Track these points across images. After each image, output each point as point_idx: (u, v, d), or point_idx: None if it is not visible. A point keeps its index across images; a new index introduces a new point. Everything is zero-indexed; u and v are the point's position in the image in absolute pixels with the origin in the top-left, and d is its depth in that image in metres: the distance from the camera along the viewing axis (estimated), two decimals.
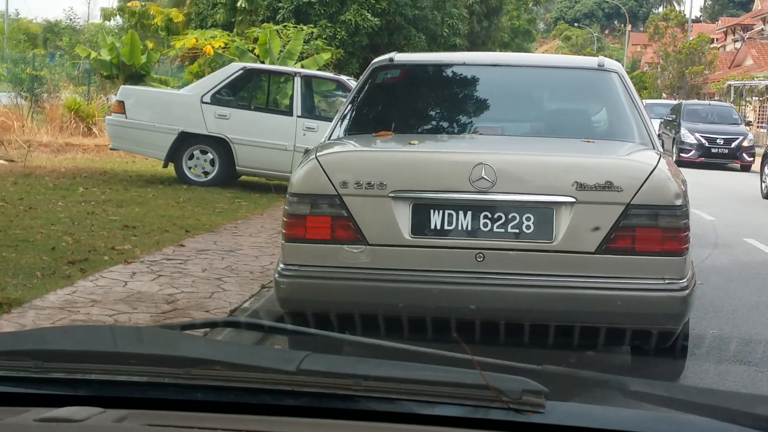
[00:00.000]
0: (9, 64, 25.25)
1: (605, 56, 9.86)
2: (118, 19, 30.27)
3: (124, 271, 7.26)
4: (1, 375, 1.31)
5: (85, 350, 1.29)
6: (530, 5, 45.15)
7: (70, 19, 42.94)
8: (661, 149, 5.18)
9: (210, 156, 13.52)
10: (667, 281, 4.43)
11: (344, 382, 1.15)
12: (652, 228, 4.44)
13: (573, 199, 4.44)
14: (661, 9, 67.81)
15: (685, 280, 4.48)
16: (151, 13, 26.38)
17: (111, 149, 15.15)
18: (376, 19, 26.64)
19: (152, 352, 1.29)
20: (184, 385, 1.20)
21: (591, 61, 6.00)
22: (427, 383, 1.16)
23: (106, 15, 31.52)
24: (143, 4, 27.64)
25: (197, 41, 21.41)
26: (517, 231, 4.49)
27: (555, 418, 1.15)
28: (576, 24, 73.62)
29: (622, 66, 6.31)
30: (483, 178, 4.46)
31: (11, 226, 8.80)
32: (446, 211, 4.52)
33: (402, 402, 1.14)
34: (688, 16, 58.00)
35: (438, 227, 4.53)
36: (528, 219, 4.49)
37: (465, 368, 1.20)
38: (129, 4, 27.40)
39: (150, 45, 23.67)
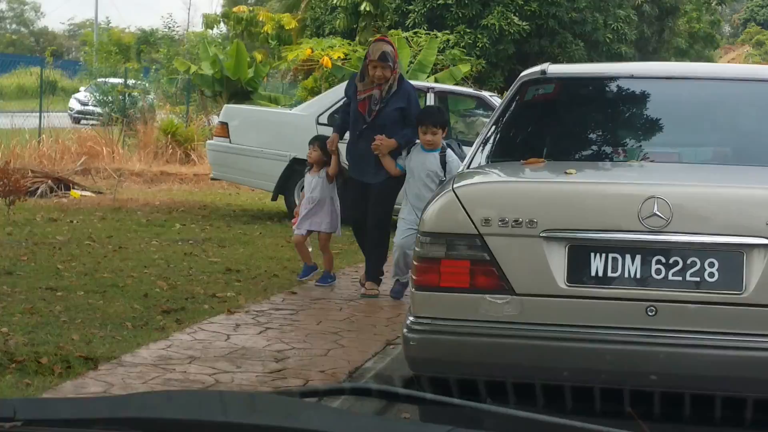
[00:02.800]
0: (98, 81, 26.09)
1: None
2: (222, 27, 31.10)
3: (226, 322, 7.41)
4: None
5: (192, 419, 1.31)
6: (713, 5, 44.48)
7: (168, 28, 44.28)
8: None
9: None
10: None
11: None
12: None
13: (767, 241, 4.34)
14: None
15: None
16: (260, 19, 26.95)
17: (212, 179, 15.50)
18: (524, 24, 26.63)
19: (269, 423, 1.30)
20: None
21: None
22: None
23: (209, 23, 32.40)
24: (251, 9, 28.27)
25: (313, 52, 21.82)
26: (697, 279, 4.40)
27: None
28: None
29: None
30: (655, 214, 4.39)
31: (99, 269, 9.09)
32: (610, 255, 4.46)
33: None
34: None
35: (600, 274, 4.47)
36: (711, 265, 4.39)
37: None
38: (235, 9, 28.05)
39: (258, 57, 24.19)
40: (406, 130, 8.40)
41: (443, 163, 7.99)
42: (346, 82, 15.60)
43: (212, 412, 1.41)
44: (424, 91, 14.14)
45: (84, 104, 30.18)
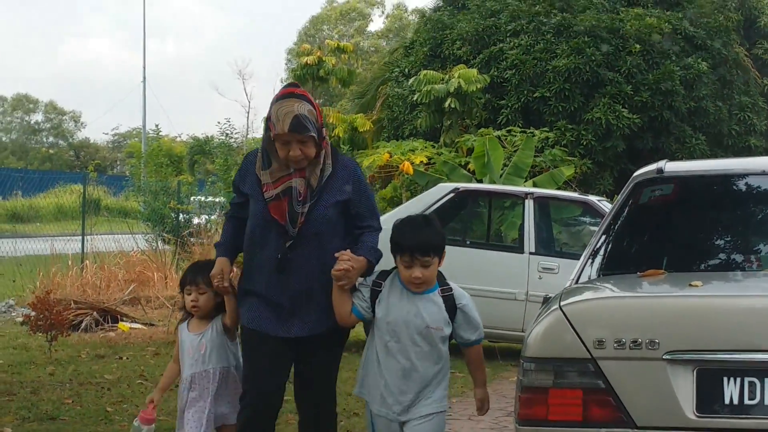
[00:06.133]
0: (147, 197, 26.40)
1: None
2: None
3: None
4: None
5: None
6: None
7: (225, 135, 44.81)
8: None
9: None
10: None
11: None
12: None
13: None
14: None
15: None
16: (331, 121, 27.22)
17: None
18: (635, 117, 26.64)
19: None
20: None
21: None
22: None
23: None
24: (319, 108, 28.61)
25: (391, 156, 21.99)
26: None
27: None
28: None
29: None
30: None
31: None
32: (747, 379, 4.43)
33: None
34: None
35: (735, 402, 4.43)
36: None
37: None
38: None
39: None
40: (365, 237, 5.89)
41: (450, 308, 5.63)
42: (435, 188, 15.82)
43: None
44: (522, 197, 14.21)
45: None
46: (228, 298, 6.03)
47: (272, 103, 5.73)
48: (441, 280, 5.70)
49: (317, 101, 30.91)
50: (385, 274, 5.74)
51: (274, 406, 5.93)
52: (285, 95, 5.74)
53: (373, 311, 5.71)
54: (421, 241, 5.54)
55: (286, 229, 5.72)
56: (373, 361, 5.63)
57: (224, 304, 6.11)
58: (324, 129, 5.88)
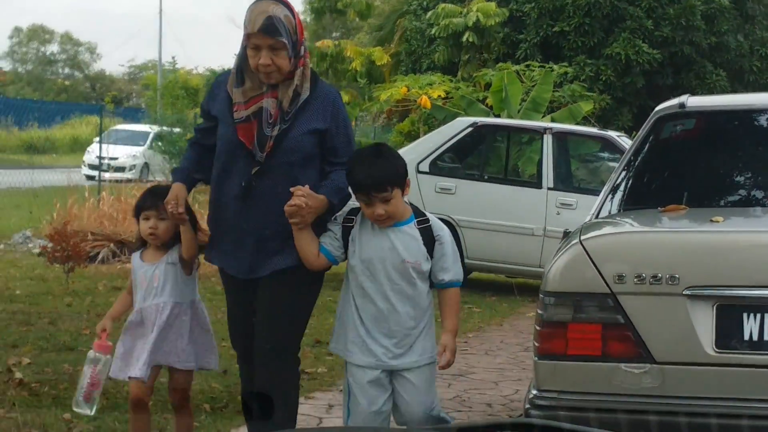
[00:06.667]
0: (163, 129, 26.44)
1: None
2: None
3: (318, 403, 7.54)
4: None
5: None
6: None
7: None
8: None
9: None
10: None
11: None
12: None
13: None
14: None
15: None
16: (348, 54, 27.15)
17: None
18: (655, 52, 26.52)
19: None
20: None
21: None
22: None
23: None
24: (337, 44, 28.54)
25: (409, 90, 21.93)
26: None
27: None
28: None
29: None
30: None
31: None
32: (766, 315, 4.45)
33: None
34: None
35: (755, 338, 4.45)
36: None
37: None
38: (319, 44, 28.32)
39: (346, 97, 24.38)
40: (334, 175, 5.23)
41: (428, 241, 5.06)
42: (453, 122, 15.79)
43: None
44: (540, 132, 14.19)
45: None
46: (184, 228, 5.44)
47: (249, 7, 5.20)
48: (418, 211, 5.22)
49: (335, 34, 30.89)
50: (356, 210, 5.19)
51: (249, 351, 5.37)
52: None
53: (347, 251, 5.20)
54: (374, 176, 4.98)
55: (254, 153, 5.16)
56: (351, 310, 5.11)
57: (178, 238, 5.55)
58: (303, 47, 5.25)
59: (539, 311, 4.74)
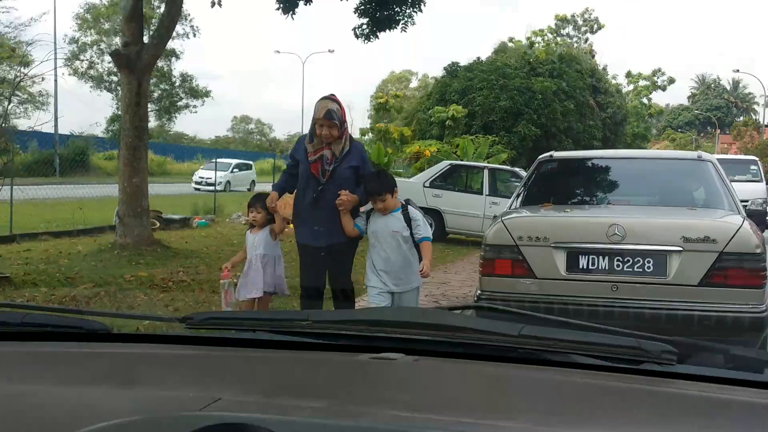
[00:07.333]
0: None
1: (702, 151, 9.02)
2: (370, 135, 31.39)
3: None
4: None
5: (405, 321, 1.36)
6: (646, 118, 43.40)
7: None
8: (744, 215, 4.87)
9: (429, 221, 13.69)
10: (750, 306, 4.16)
11: (551, 343, 1.20)
12: (739, 268, 4.19)
13: (681, 249, 4.26)
14: (741, 118, 63.53)
15: (764, 305, 4.19)
16: (391, 131, 27.18)
17: None
18: (537, 130, 26.42)
19: (433, 321, 1.35)
20: (448, 341, 1.27)
21: (692, 154, 5.73)
22: (596, 344, 1.20)
23: (363, 133, 32.75)
24: (386, 125, 28.55)
25: (420, 148, 21.88)
26: (641, 270, 4.34)
27: (683, 368, 1.17)
28: (679, 130, 70.00)
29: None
30: (616, 234, 4.36)
31: None
32: (590, 256, 4.43)
33: (572, 355, 1.19)
34: (761, 122, 54.03)
35: (585, 267, 4.43)
36: (648, 262, 4.33)
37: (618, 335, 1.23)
38: (377, 125, 28.39)
39: (390, 151, 24.29)
40: (362, 188, 4.82)
41: (407, 220, 4.58)
42: (440, 163, 15.87)
43: (414, 315, 1.45)
44: (482, 168, 14.11)
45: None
46: (276, 215, 4.95)
47: (317, 102, 4.74)
48: (404, 205, 4.59)
49: (384, 121, 30.35)
50: (371, 209, 4.71)
51: (316, 292, 4.75)
52: (325, 97, 4.76)
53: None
54: (374, 187, 4.52)
55: (319, 180, 4.71)
56: (370, 258, 4.60)
57: (271, 221, 5.10)
58: (346, 123, 4.79)
59: (481, 254, 4.70)
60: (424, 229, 4.54)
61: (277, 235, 5.15)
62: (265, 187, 19.82)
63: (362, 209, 4.79)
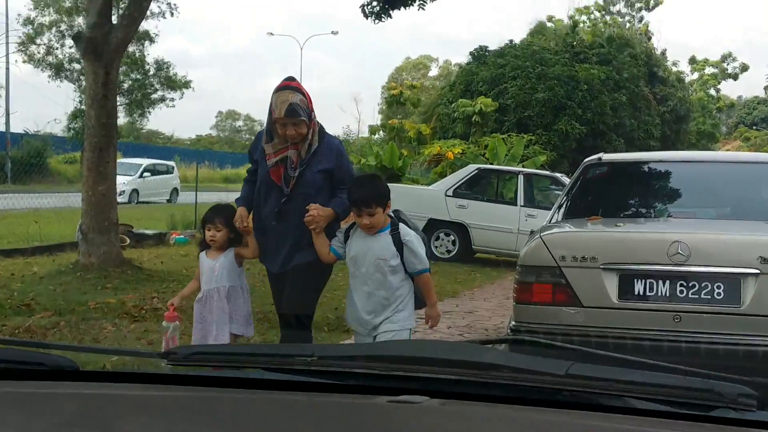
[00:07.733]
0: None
1: None
2: (381, 134, 31.49)
3: None
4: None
5: (423, 356, 1.35)
6: (714, 113, 43.33)
7: (346, 135, 44.90)
8: None
9: (452, 237, 13.71)
10: None
11: (605, 384, 1.20)
12: None
13: (758, 271, 4.24)
14: None
15: None
16: (406, 128, 27.29)
17: None
18: (582, 127, 26.45)
19: (461, 358, 1.35)
20: (480, 382, 1.26)
21: None
22: (659, 386, 1.20)
23: (372, 131, 32.97)
24: (400, 121, 28.63)
25: (441, 149, 21.92)
26: (709, 297, 4.32)
27: (764, 416, 1.16)
28: (755, 127, 69.76)
29: None
30: (679, 253, 4.34)
31: None
32: (648, 280, 4.41)
33: (630, 399, 1.18)
34: None
35: (641, 293, 4.42)
36: (719, 287, 4.31)
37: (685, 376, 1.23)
38: (389, 121, 28.49)
39: (405, 152, 24.39)
40: (340, 197, 4.38)
41: (398, 244, 4.12)
42: (465, 168, 15.78)
43: (439, 350, 1.45)
44: (516, 174, 14.13)
45: None
46: (250, 238, 4.53)
47: (273, 93, 4.31)
48: (394, 222, 4.20)
49: (398, 117, 30.58)
50: (354, 225, 4.29)
51: (299, 319, 4.40)
52: (282, 87, 4.32)
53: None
54: (363, 195, 4.11)
55: (282, 189, 4.36)
56: (350, 291, 4.26)
57: (234, 240, 4.59)
58: (313, 113, 4.37)
59: (516, 276, 4.68)
60: (420, 256, 4.15)
61: (242, 260, 4.63)
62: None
63: (343, 223, 4.44)
